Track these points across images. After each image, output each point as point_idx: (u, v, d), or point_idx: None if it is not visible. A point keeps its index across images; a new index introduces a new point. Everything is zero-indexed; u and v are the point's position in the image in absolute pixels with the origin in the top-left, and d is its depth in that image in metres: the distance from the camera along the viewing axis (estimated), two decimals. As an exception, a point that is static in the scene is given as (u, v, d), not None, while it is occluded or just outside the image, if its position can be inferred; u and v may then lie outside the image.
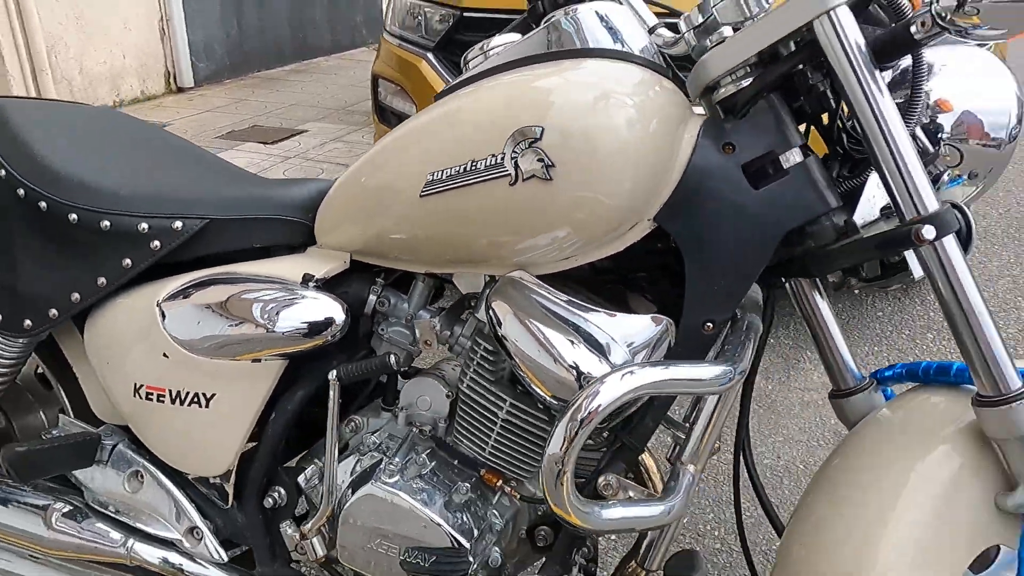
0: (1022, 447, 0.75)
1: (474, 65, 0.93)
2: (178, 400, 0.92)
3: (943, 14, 0.70)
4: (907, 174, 0.74)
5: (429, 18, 2.31)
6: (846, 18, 0.74)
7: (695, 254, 0.80)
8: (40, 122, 1.01)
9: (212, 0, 4.80)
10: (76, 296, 0.95)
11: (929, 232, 0.72)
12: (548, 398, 0.81)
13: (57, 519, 0.98)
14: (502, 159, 0.75)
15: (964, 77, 0.84)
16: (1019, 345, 2.18)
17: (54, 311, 0.96)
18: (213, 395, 0.92)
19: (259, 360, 0.90)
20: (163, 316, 0.91)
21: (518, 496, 0.94)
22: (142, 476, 0.98)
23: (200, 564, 0.97)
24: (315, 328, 0.88)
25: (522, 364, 0.82)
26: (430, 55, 2.25)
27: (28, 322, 0.97)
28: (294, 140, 3.76)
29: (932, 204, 0.74)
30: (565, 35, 0.85)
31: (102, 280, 0.94)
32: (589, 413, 0.70)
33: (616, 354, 0.80)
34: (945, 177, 0.86)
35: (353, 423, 0.98)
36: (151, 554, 0.96)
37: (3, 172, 0.96)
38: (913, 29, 0.73)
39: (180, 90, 4.66)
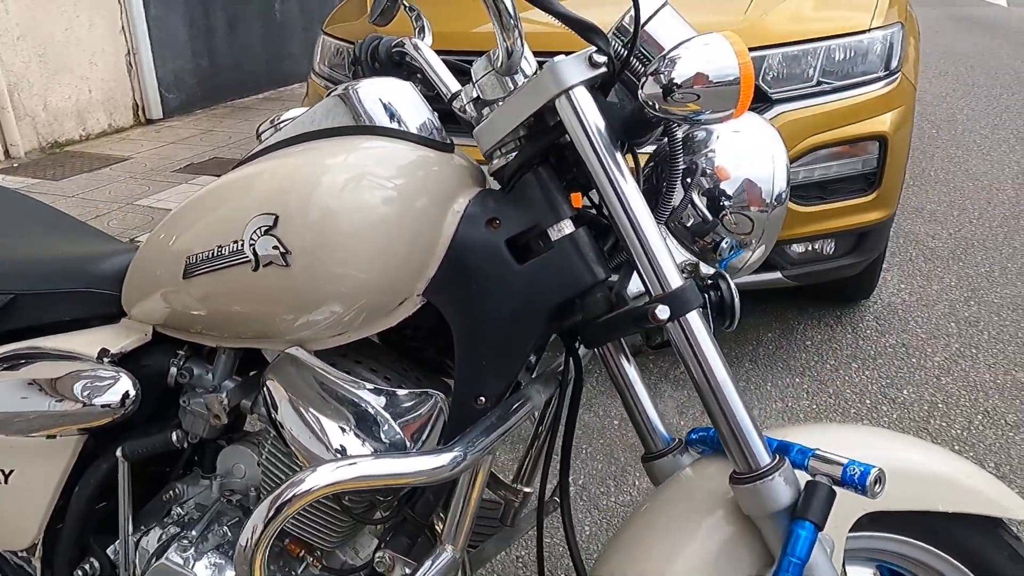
0: (774, 523, 0.74)
1: (265, 138, 0.94)
2: (-21, 476, 0.93)
3: (652, 103, 0.70)
4: (649, 253, 0.74)
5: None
6: (584, 98, 0.74)
7: (462, 330, 0.80)
8: None
9: (181, 32, 4.85)
10: None
11: (663, 312, 0.72)
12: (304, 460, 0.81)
13: None
14: (242, 246, 0.76)
15: (736, 143, 0.84)
16: (943, 375, 2.16)
17: None
18: (11, 471, 0.92)
19: (54, 436, 0.91)
20: (-39, 394, 0.92)
21: (321, 566, 0.94)
22: (-48, 552, 0.99)
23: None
24: (106, 404, 0.89)
25: (292, 444, 0.82)
26: (350, 94, 2.27)
27: None
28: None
29: (673, 283, 0.74)
30: (344, 109, 0.86)
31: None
32: (289, 499, 0.70)
33: (386, 432, 0.80)
34: (724, 244, 0.86)
35: (172, 491, 0.99)
36: (-39, 628, 0.97)
37: None
38: (647, 112, 0.73)
39: (149, 122, 4.71)
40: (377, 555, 0.83)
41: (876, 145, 1.92)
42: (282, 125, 0.94)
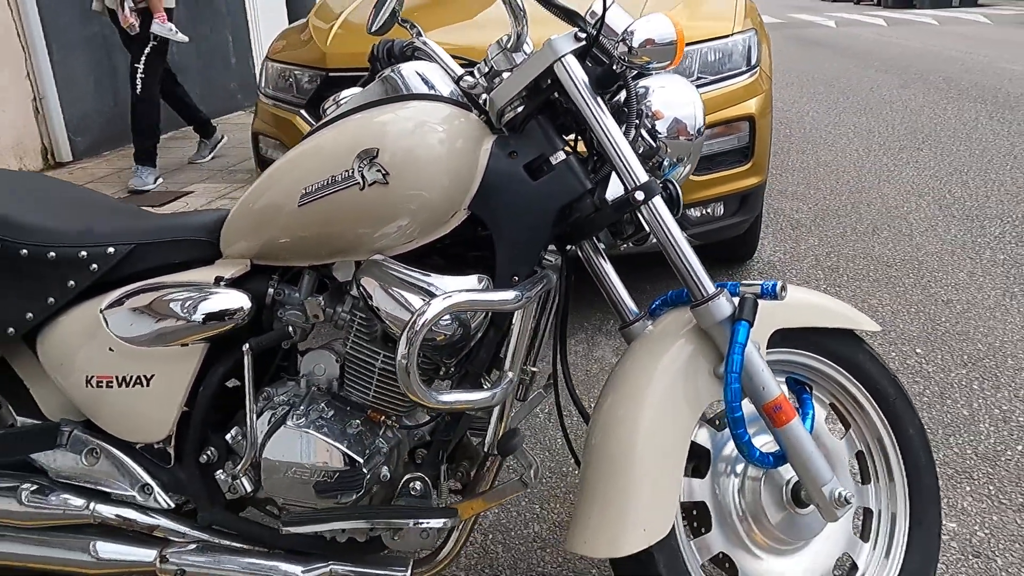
0: (719, 329, 1.13)
1: (330, 112, 1.26)
2: (124, 383, 1.19)
3: (622, 58, 1.09)
4: (624, 160, 1.12)
5: (298, 79, 2.63)
6: (572, 63, 1.12)
7: (499, 229, 1.15)
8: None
9: (87, 77, 4.93)
10: (30, 315, 1.20)
11: (639, 195, 1.10)
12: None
13: (26, 496, 1.21)
14: (352, 172, 1.09)
15: (668, 94, 1.23)
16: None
17: (11, 329, 1.21)
18: (152, 375, 1.19)
19: (186, 344, 1.18)
20: (106, 320, 1.18)
21: (398, 427, 1.25)
22: (97, 452, 1.23)
23: (152, 515, 1.23)
24: (227, 315, 1.17)
25: (388, 321, 1.14)
26: (302, 111, 2.56)
27: (-11, 339, 1.21)
28: (181, 201, 3.95)
29: (641, 177, 1.12)
30: (394, 86, 1.20)
31: (51, 300, 1.20)
32: (423, 323, 1.02)
33: (427, 300, 1.13)
34: (666, 163, 1.25)
35: (265, 393, 1.27)
36: (111, 511, 1.21)
37: (-41, 223, 1.21)
38: (615, 67, 1.12)
39: (59, 164, 4.75)
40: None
41: (747, 124, 2.42)
42: (343, 101, 1.27)
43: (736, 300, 1.13)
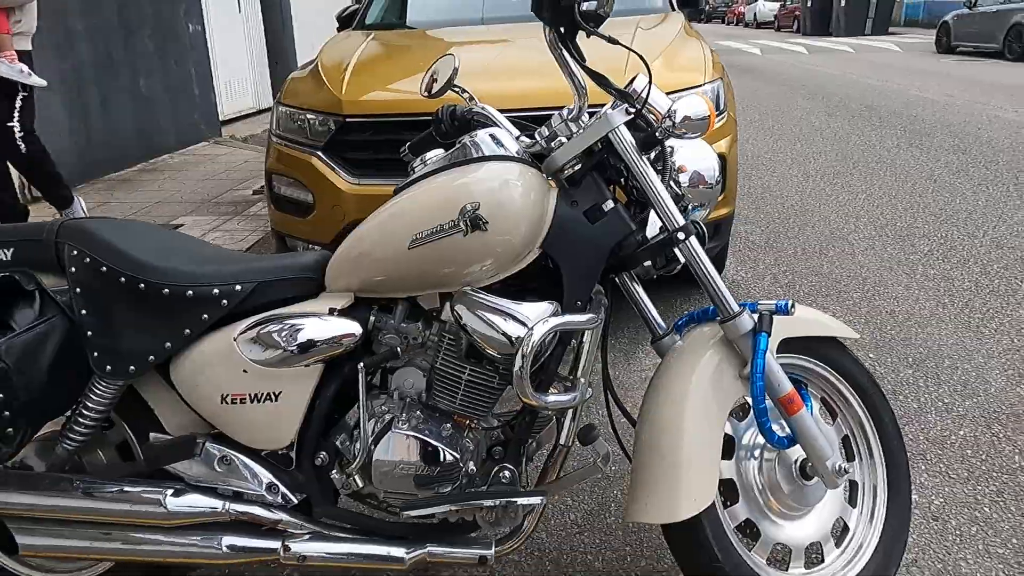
0: (743, 340, 1.43)
1: (419, 169, 1.52)
2: (256, 400, 1.41)
3: (668, 128, 1.39)
4: (664, 207, 1.41)
5: (311, 123, 2.85)
6: (624, 131, 1.41)
7: (566, 264, 1.42)
8: (118, 232, 1.47)
9: (60, 112, 5.01)
10: (168, 345, 1.42)
11: (680, 235, 1.40)
12: (497, 355, 1.39)
13: (169, 499, 1.42)
14: (457, 222, 1.35)
15: (689, 152, 1.54)
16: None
17: (152, 357, 1.42)
18: (280, 392, 1.42)
19: (308, 365, 1.41)
20: (240, 347, 1.40)
21: (480, 429, 1.51)
22: (228, 459, 1.44)
23: (276, 512, 1.45)
24: (343, 339, 1.41)
25: (480, 340, 1.39)
26: (320, 153, 2.79)
27: (132, 368, 1.41)
28: (171, 234, 4.10)
29: (680, 221, 1.41)
30: (473, 148, 1.47)
31: (187, 331, 1.42)
32: (534, 342, 1.29)
33: (510, 323, 1.39)
34: (690, 208, 1.55)
35: (367, 405, 1.50)
36: (243, 509, 1.43)
37: (105, 268, 1.41)
38: (657, 135, 1.42)
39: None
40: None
41: (720, 162, 2.75)
42: (429, 160, 1.53)
43: (755, 316, 1.44)
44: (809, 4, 22.77)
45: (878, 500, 1.62)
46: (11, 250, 1.45)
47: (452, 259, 1.38)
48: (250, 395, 1.42)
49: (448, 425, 1.47)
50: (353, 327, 1.42)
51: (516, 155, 1.46)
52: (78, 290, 1.42)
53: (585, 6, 1.30)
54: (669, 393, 1.45)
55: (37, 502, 1.42)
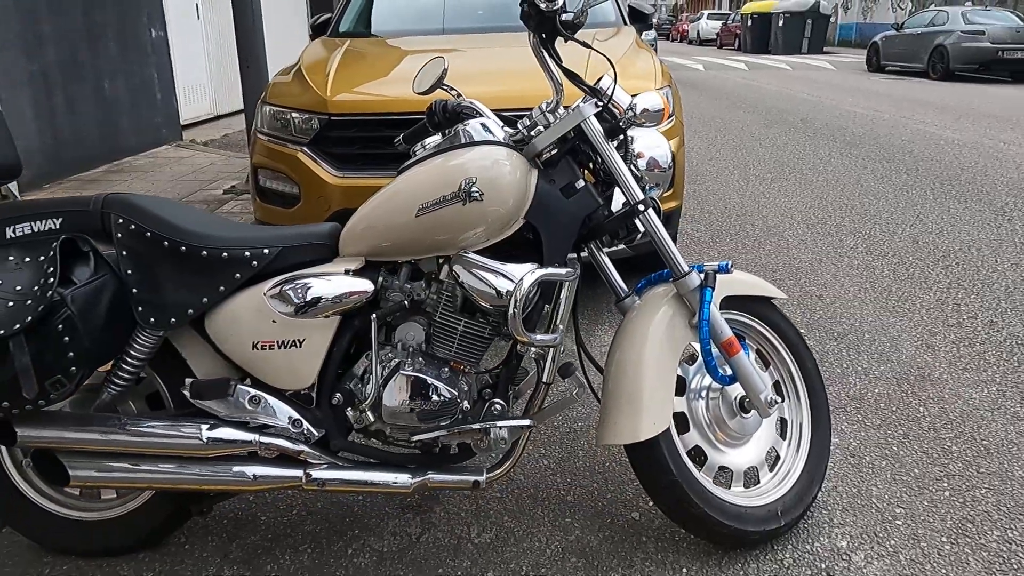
0: (692, 295, 1.73)
1: (419, 151, 1.78)
2: (283, 346, 1.65)
3: (631, 119, 1.68)
4: (627, 183, 1.71)
5: (297, 121, 3.08)
6: (594, 121, 1.70)
7: (546, 231, 1.70)
8: (157, 205, 1.69)
9: (28, 112, 5.10)
10: (205, 299, 1.64)
11: (642, 207, 1.69)
12: (489, 308, 1.66)
13: (206, 433, 1.64)
14: (458, 192, 1.61)
15: (645, 141, 1.84)
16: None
17: (190, 310, 1.64)
18: (304, 339, 1.65)
19: (328, 316, 1.66)
20: (269, 300, 1.64)
21: (472, 374, 1.77)
22: (257, 399, 1.67)
23: (299, 444, 1.68)
24: (357, 295, 1.66)
25: (475, 295, 1.66)
26: (305, 148, 3.02)
27: (173, 319, 1.64)
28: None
29: (639, 195, 1.71)
30: (466, 134, 1.74)
31: (222, 288, 1.65)
32: (525, 289, 1.57)
33: (500, 280, 1.66)
34: (647, 187, 1.85)
35: (367, 354, 1.75)
36: (271, 441, 1.66)
37: (149, 234, 1.63)
38: (621, 124, 1.71)
39: (4, 198, 4.88)
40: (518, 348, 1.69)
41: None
42: (428, 144, 1.79)
43: (701, 275, 1.74)
44: (749, 24, 23.73)
45: (803, 434, 1.93)
46: (60, 219, 1.66)
47: (451, 226, 1.64)
48: (278, 342, 1.65)
49: (446, 369, 1.73)
50: (366, 285, 1.67)
51: (503, 141, 1.73)
52: (124, 253, 1.64)
53: (565, 17, 1.59)
54: (631, 339, 1.74)
55: (91, 437, 1.63)
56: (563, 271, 1.66)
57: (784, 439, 1.94)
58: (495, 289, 1.64)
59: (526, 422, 1.69)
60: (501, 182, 1.63)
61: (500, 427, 1.67)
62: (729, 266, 1.75)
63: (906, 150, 6.82)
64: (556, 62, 1.69)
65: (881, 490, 2.02)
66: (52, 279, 1.49)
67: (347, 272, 1.68)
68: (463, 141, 1.74)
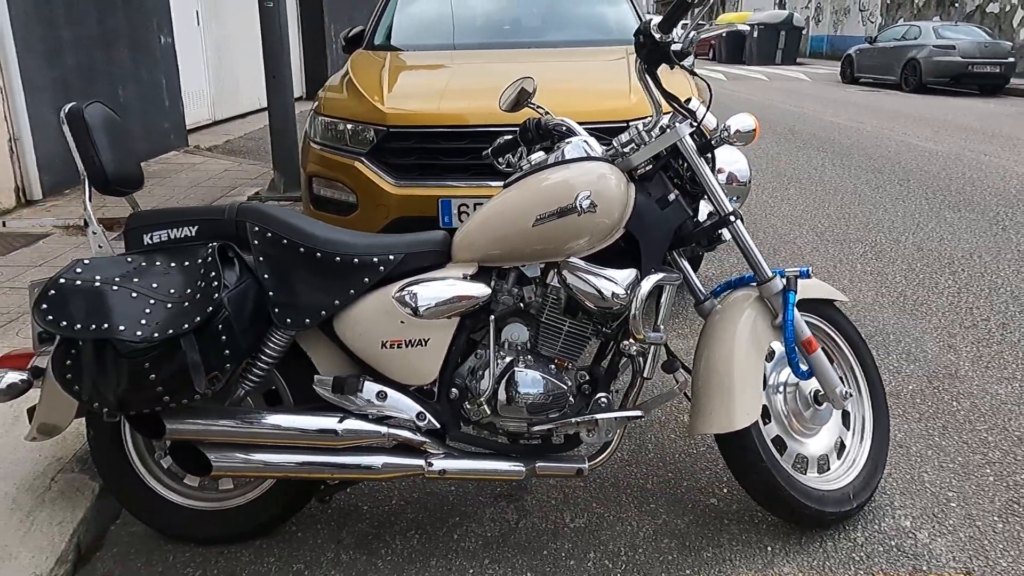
0: (776, 298, 1.91)
1: (524, 165, 1.93)
2: (409, 345, 1.79)
3: (724, 136, 1.86)
4: (718, 197, 1.88)
5: (353, 132, 3.21)
6: (689, 140, 1.87)
7: (644, 239, 1.86)
8: (286, 214, 1.82)
9: (52, 117, 5.14)
10: (337, 302, 1.78)
11: (731, 218, 1.86)
12: (595, 309, 1.81)
13: (339, 426, 1.77)
14: (574, 204, 1.77)
15: (725, 156, 2.02)
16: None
17: (323, 312, 1.77)
18: (429, 339, 1.80)
19: (450, 317, 1.80)
20: (399, 302, 1.78)
21: (573, 370, 1.92)
22: (383, 394, 1.81)
23: (422, 435, 1.82)
24: (476, 298, 1.81)
25: (583, 298, 1.81)
26: (363, 159, 3.15)
27: (307, 320, 1.77)
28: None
29: (729, 207, 1.88)
30: (574, 150, 1.89)
31: (352, 291, 1.78)
32: (644, 293, 1.73)
33: (618, 287, 1.83)
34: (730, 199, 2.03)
35: (476, 354, 1.90)
36: (398, 432, 1.80)
37: (286, 241, 1.76)
38: (713, 143, 1.89)
39: (30, 202, 4.92)
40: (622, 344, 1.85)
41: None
42: (533, 159, 1.94)
43: (783, 280, 1.92)
44: (724, 35, 24.21)
45: (866, 425, 2.12)
46: (196, 227, 1.79)
47: (565, 234, 1.80)
48: (405, 341, 1.79)
49: (552, 366, 1.88)
50: (484, 289, 1.82)
51: (605, 157, 1.90)
52: (261, 259, 1.77)
53: (675, 47, 1.76)
54: (720, 338, 1.91)
55: (234, 429, 1.76)
56: (673, 275, 1.83)
57: (848, 430, 2.13)
58: (601, 292, 1.80)
59: (637, 413, 1.85)
60: (611, 195, 1.79)
61: (613, 418, 1.83)
62: (809, 272, 1.93)
63: (894, 161, 7.12)
64: (658, 86, 1.85)
65: (932, 476, 2.22)
66: (216, 282, 1.62)
67: (465, 277, 1.83)
68: (569, 157, 1.89)
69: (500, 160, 2.10)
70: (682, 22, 1.73)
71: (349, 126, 3.23)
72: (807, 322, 2.07)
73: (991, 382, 2.79)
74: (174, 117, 7.10)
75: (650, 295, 1.87)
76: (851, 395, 1.96)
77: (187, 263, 1.72)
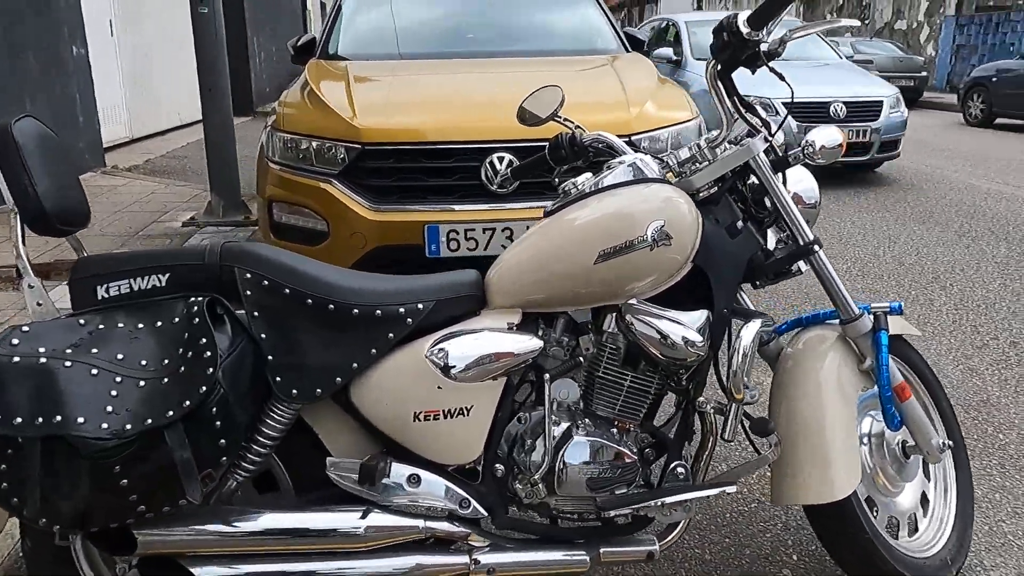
0: (863, 340, 1.64)
1: (571, 191, 1.61)
2: (449, 415, 1.43)
3: (809, 153, 1.58)
4: (797, 223, 1.60)
5: (321, 151, 2.82)
6: (763, 158, 1.59)
7: (714, 275, 1.57)
8: (284, 255, 1.44)
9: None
10: (355, 364, 1.41)
11: (815, 247, 1.59)
12: (664, 359, 1.50)
13: (364, 523, 1.40)
14: (645, 236, 1.46)
15: (793, 177, 1.74)
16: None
17: (339, 378, 1.40)
18: (472, 407, 1.45)
19: (496, 378, 1.46)
20: (433, 363, 1.43)
21: (635, 432, 1.61)
22: (416, 477, 1.45)
23: (466, 525, 1.46)
24: (527, 353, 1.47)
25: (651, 347, 1.50)
26: (334, 180, 2.76)
27: (319, 390, 1.39)
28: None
29: (811, 235, 1.61)
30: (632, 171, 1.58)
31: (373, 351, 1.42)
32: (746, 345, 1.43)
33: (694, 332, 1.53)
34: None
35: (519, 417, 1.56)
36: (438, 525, 1.44)
37: (288, 290, 1.39)
38: (790, 160, 1.61)
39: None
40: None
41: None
42: (579, 183, 1.61)
43: (871, 317, 1.66)
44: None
45: (948, 475, 1.88)
46: (167, 275, 1.40)
47: (633, 273, 1.48)
48: (443, 411, 1.44)
49: (614, 430, 1.56)
50: (535, 341, 1.48)
51: (665, 179, 1.59)
52: (256, 313, 1.39)
53: (764, 47, 1.47)
54: (803, 390, 1.62)
55: (229, 537, 1.36)
56: (768, 319, 1.54)
57: (930, 481, 1.88)
58: (674, 339, 1.49)
59: (731, 487, 1.54)
60: (684, 224, 1.49)
61: (704, 496, 1.52)
62: (902, 307, 1.68)
63: (841, 175, 7.14)
64: (733, 93, 1.57)
65: (1011, 526, 2.00)
66: (209, 352, 1.23)
67: (510, 327, 1.49)
68: (625, 179, 1.59)
69: (571, 182, 1.75)
70: (775, 19, 1.45)
71: (315, 144, 2.84)
72: (889, 363, 1.82)
73: (1028, 409, 2.63)
74: (89, 135, 6.47)
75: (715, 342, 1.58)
76: (950, 447, 1.72)
77: (160, 324, 1.33)
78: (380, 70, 3.37)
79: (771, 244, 1.69)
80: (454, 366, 1.43)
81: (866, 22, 20.94)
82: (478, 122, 2.75)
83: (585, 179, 1.66)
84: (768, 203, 1.66)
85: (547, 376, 1.50)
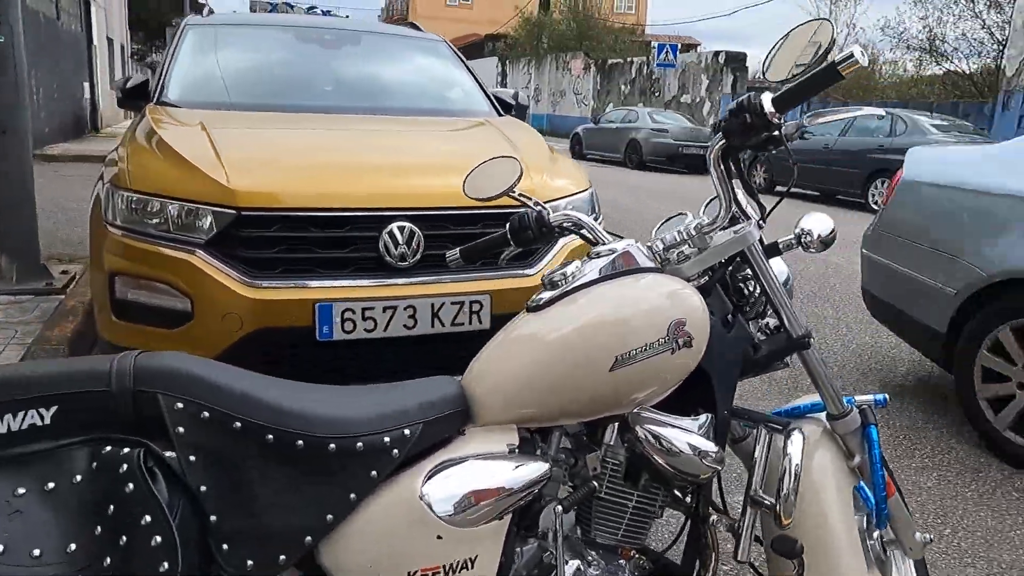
0: (855, 434, 1.56)
1: (559, 281, 1.38)
2: (451, 571, 1.13)
3: (807, 242, 1.49)
4: (790, 314, 1.50)
5: (181, 215, 2.36)
6: (759, 246, 1.48)
7: (715, 374, 1.42)
8: (224, 372, 1.09)
9: None
10: (330, 517, 1.08)
11: (809, 340, 1.49)
12: (677, 474, 1.32)
13: None
14: (667, 338, 1.27)
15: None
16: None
17: (308, 538, 1.06)
18: (476, 556, 1.16)
19: (502, 517, 1.19)
20: (430, 506, 1.12)
21: (640, 559, 1.39)
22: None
23: None
24: (537, 482, 1.22)
25: (661, 459, 1.31)
26: (200, 251, 2.32)
27: (283, 557, 1.04)
28: None
29: (804, 327, 1.51)
30: (634, 259, 1.39)
31: (353, 496, 1.10)
32: (798, 461, 1.27)
33: (699, 439, 1.36)
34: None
35: (529, 549, 1.30)
36: None
37: (239, 424, 1.03)
38: (781, 250, 1.51)
39: None
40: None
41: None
42: (568, 273, 1.39)
43: (858, 411, 1.58)
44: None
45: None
46: (53, 409, 1.00)
47: (648, 379, 1.29)
48: (445, 567, 1.14)
49: (620, 561, 1.34)
50: (542, 466, 1.24)
51: (660, 268, 1.43)
52: (192, 458, 1.02)
53: (784, 129, 1.36)
54: (800, 493, 1.50)
55: None
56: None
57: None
58: (685, 452, 1.32)
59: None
60: (701, 321, 1.33)
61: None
62: (886, 400, 1.62)
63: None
64: (739, 175, 1.45)
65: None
66: (160, 536, 0.85)
67: (511, 449, 1.23)
68: (625, 268, 1.40)
69: (560, 272, 1.50)
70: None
71: (173, 207, 2.38)
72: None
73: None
74: None
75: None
76: (931, 540, 1.67)
77: (53, 485, 0.93)
78: (240, 122, 2.96)
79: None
80: (459, 508, 1.14)
81: (655, 95, 22.93)
82: (376, 188, 2.45)
83: (575, 268, 1.45)
84: (748, 292, 1.56)
85: (558, 507, 1.25)
